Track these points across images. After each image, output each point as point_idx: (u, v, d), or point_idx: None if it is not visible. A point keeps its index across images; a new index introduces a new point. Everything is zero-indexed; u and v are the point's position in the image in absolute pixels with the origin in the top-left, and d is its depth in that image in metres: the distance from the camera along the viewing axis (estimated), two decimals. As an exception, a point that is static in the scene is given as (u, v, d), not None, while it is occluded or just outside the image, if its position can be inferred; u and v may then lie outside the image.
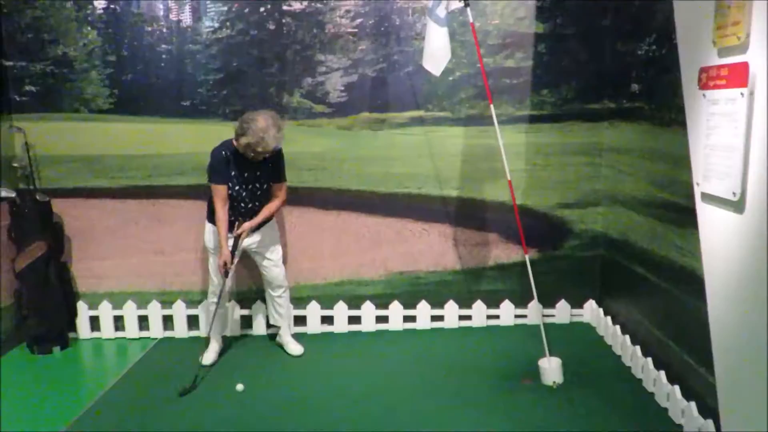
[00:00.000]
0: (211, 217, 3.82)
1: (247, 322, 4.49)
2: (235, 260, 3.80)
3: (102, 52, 4.22)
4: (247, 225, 3.77)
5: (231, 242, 3.74)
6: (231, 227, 3.76)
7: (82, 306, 4.45)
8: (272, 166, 3.81)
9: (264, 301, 4.32)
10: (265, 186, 3.82)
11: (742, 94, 2.22)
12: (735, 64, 2.27)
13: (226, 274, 3.74)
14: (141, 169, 4.36)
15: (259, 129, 3.47)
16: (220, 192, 3.68)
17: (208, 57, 4.25)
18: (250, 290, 4.40)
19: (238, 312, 4.45)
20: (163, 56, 4.26)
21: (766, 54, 2.10)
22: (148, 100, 4.29)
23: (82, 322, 4.47)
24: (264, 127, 3.47)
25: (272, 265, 4.01)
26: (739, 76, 2.24)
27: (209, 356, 4.02)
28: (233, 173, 3.69)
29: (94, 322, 4.50)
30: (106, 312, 4.46)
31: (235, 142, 3.62)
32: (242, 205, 3.77)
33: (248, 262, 4.13)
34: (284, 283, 4.09)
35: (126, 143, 4.33)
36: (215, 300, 3.93)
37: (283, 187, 3.90)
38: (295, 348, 4.13)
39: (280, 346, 4.21)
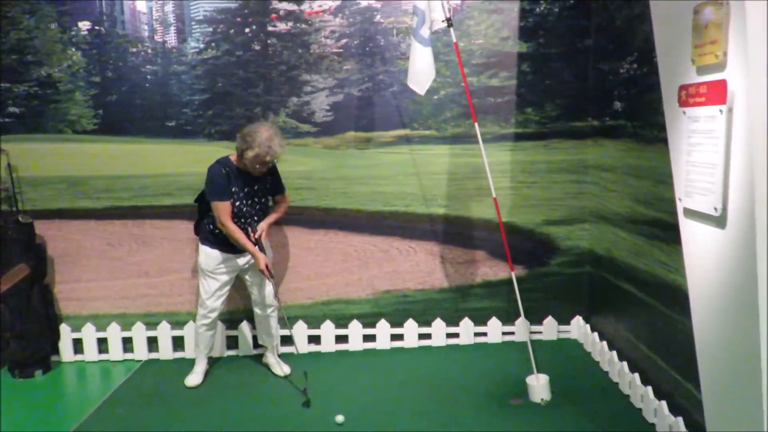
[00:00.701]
0: (207, 237, 3.80)
1: (233, 342, 4.45)
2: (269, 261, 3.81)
3: (86, 73, 4.21)
4: (265, 224, 3.80)
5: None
6: (231, 246, 3.75)
7: (65, 329, 4.39)
8: (271, 179, 3.82)
9: (250, 320, 4.28)
10: (263, 200, 3.82)
11: (721, 111, 2.25)
12: (714, 81, 2.31)
13: (271, 275, 3.75)
14: (126, 190, 4.33)
15: (265, 139, 3.49)
16: (225, 208, 3.64)
17: (193, 78, 4.25)
18: (237, 310, 4.37)
19: (224, 332, 4.41)
20: (148, 77, 4.26)
21: (743, 71, 2.14)
22: (133, 120, 4.28)
23: (65, 344, 4.40)
24: (269, 136, 3.51)
25: (259, 285, 3.97)
26: (717, 93, 2.28)
27: (194, 378, 3.98)
28: (234, 189, 3.67)
29: (78, 345, 4.44)
30: (89, 334, 4.40)
31: (237, 159, 3.64)
32: (243, 220, 3.74)
33: (234, 282, 4.10)
34: (274, 302, 4.05)
35: (111, 164, 4.30)
36: (204, 323, 3.90)
37: (285, 197, 3.96)
38: (281, 369, 4.10)
39: (267, 367, 4.17)
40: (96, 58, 4.21)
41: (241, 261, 3.85)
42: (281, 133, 3.65)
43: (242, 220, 3.74)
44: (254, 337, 4.35)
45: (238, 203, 3.69)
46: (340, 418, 3.47)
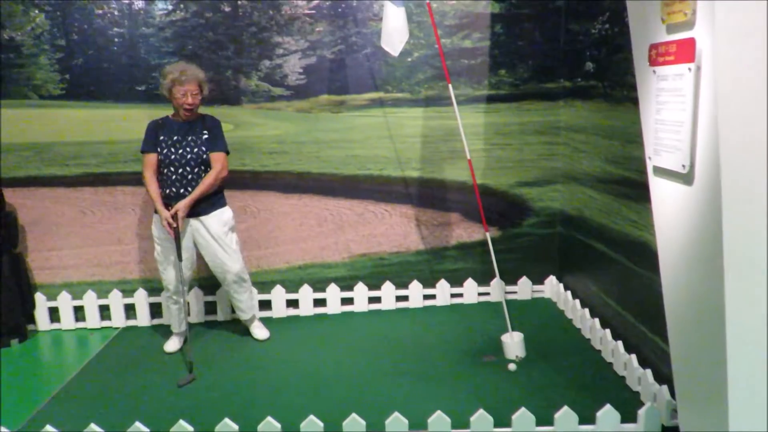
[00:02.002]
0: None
1: (211, 307, 4.46)
2: (183, 249, 3.71)
3: (51, 36, 4.10)
4: (182, 203, 3.60)
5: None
6: (166, 198, 3.67)
7: (39, 297, 4.35)
8: (204, 132, 3.71)
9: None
10: (196, 151, 3.65)
11: (689, 69, 2.28)
12: (682, 39, 2.33)
13: (176, 232, 3.61)
14: (95, 156, 4.26)
15: (177, 66, 3.62)
16: (146, 160, 3.68)
17: (161, 40, 4.16)
18: (212, 276, 4.36)
19: (202, 298, 4.42)
20: (115, 40, 4.16)
21: (711, 29, 2.16)
22: (100, 85, 4.19)
23: (40, 313, 4.38)
24: (183, 64, 3.64)
25: (214, 259, 3.82)
26: (686, 51, 2.30)
27: (172, 344, 3.99)
28: (162, 138, 3.65)
29: (54, 314, 4.41)
30: (65, 303, 4.38)
31: (171, 103, 3.66)
32: (171, 170, 3.63)
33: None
34: (240, 275, 3.89)
35: (79, 130, 4.22)
36: (168, 294, 3.88)
37: (219, 157, 3.70)
38: (260, 333, 4.12)
39: (247, 331, 4.20)
40: (60, 21, 4.09)
41: (193, 225, 3.73)
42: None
43: (171, 169, 3.64)
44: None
45: (165, 151, 3.65)
46: (512, 366, 3.57)
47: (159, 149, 3.64)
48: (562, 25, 4.28)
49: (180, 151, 3.64)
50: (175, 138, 3.66)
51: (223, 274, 3.87)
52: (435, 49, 4.20)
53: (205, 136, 3.71)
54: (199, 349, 3.95)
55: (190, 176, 3.66)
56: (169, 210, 3.62)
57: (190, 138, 3.68)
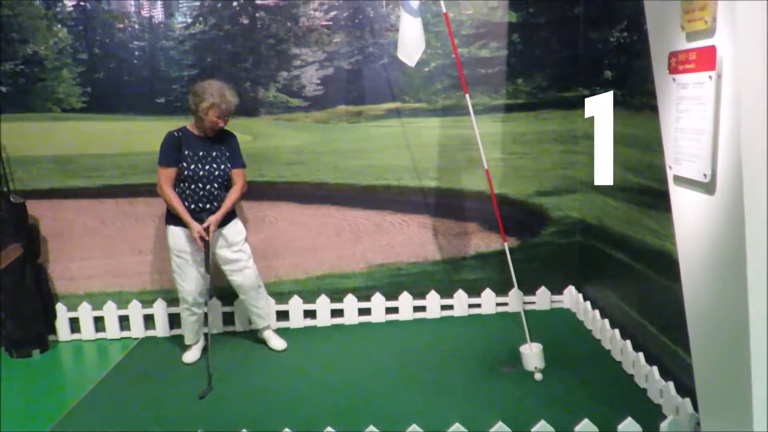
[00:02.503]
0: (169, 218, 3.76)
1: (228, 318, 4.48)
2: (210, 260, 3.75)
3: (73, 50, 4.17)
4: (213, 218, 3.69)
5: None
6: (191, 213, 3.69)
7: (60, 308, 4.40)
8: (226, 148, 3.77)
9: None
10: (222, 167, 3.73)
11: (710, 77, 2.25)
12: (703, 47, 2.30)
13: (206, 245, 3.67)
14: (117, 168, 4.31)
15: (216, 89, 3.55)
16: (165, 174, 3.65)
17: (181, 53, 4.21)
18: (229, 286, 4.38)
19: (220, 309, 4.44)
20: (136, 53, 4.22)
21: (732, 37, 2.14)
22: (121, 97, 4.25)
23: (61, 324, 4.42)
24: (220, 86, 3.58)
25: (233, 269, 3.91)
26: (706, 59, 2.28)
27: (191, 355, 4.01)
28: (187, 153, 3.64)
29: (74, 324, 4.46)
30: (85, 313, 4.42)
31: (193, 124, 3.67)
32: (200, 186, 3.68)
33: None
34: (257, 282, 4.00)
35: (101, 142, 4.28)
36: (183, 306, 3.89)
37: (242, 173, 3.84)
38: (277, 343, 4.13)
39: (263, 342, 4.20)
40: (82, 35, 4.16)
41: (213, 237, 3.77)
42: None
43: (200, 185, 3.68)
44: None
45: (192, 166, 3.65)
46: (538, 376, 3.55)
47: (183, 164, 3.64)
48: (581, 33, 4.25)
49: (207, 167, 3.68)
50: (201, 153, 3.67)
51: (241, 281, 3.92)
52: (452, 59, 4.20)
53: (225, 150, 3.76)
54: (218, 360, 3.95)
55: (216, 192, 3.73)
56: (200, 230, 3.66)
57: (215, 153, 3.71)
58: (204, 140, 3.70)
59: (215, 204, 3.74)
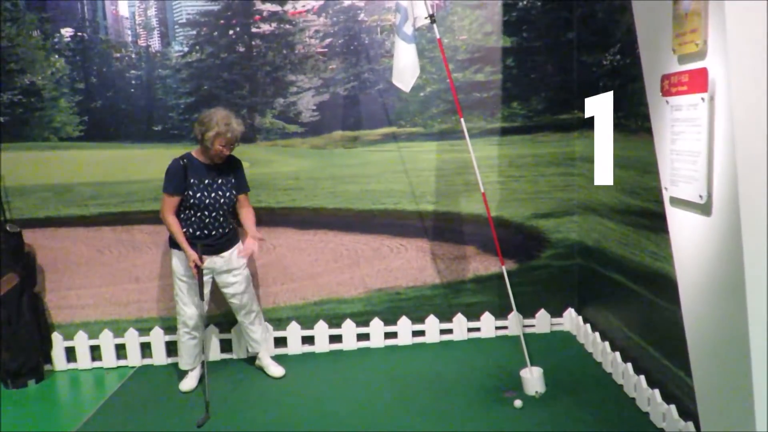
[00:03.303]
0: (173, 242, 3.75)
1: (227, 345, 4.44)
2: (203, 288, 3.74)
3: (70, 79, 4.20)
4: (255, 245, 3.78)
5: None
6: (195, 239, 3.70)
7: (57, 337, 4.37)
8: (233, 174, 3.78)
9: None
10: (228, 195, 3.74)
11: (702, 99, 2.27)
12: (694, 70, 2.32)
13: (200, 273, 3.66)
14: (114, 196, 4.31)
15: (222, 117, 3.53)
16: (169, 202, 3.64)
17: (178, 81, 4.24)
18: (230, 312, 4.36)
19: (217, 336, 4.40)
20: (133, 82, 4.24)
21: (723, 59, 2.15)
22: (118, 126, 4.27)
23: (57, 353, 4.38)
24: (225, 115, 3.56)
25: (235, 291, 3.91)
26: (699, 81, 2.29)
27: (188, 383, 3.97)
28: (192, 181, 3.64)
29: (70, 353, 4.42)
30: (81, 342, 4.38)
31: (198, 151, 3.67)
32: (206, 213, 3.69)
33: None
34: (255, 307, 4.02)
35: (98, 171, 4.29)
36: (185, 330, 3.86)
37: (248, 197, 3.91)
38: (275, 370, 4.09)
39: (261, 369, 4.16)
40: (79, 65, 4.19)
41: (216, 262, 3.80)
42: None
43: (205, 213, 3.69)
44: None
45: (198, 194, 3.65)
46: (518, 403, 3.51)
47: (189, 192, 3.64)
48: (575, 57, 4.29)
49: (213, 194, 3.69)
50: (207, 181, 3.68)
51: (242, 304, 3.94)
52: (447, 84, 4.23)
53: (232, 176, 3.78)
54: (216, 388, 3.91)
55: (221, 219, 3.76)
56: (197, 251, 3.66)
57: (220, 181, 3.72)
58: (209, 168, 3.70)
59: (220, 231, 3.76)
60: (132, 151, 4.28)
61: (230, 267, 3.85)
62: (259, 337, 4.08)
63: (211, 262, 3.77)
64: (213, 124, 3.51)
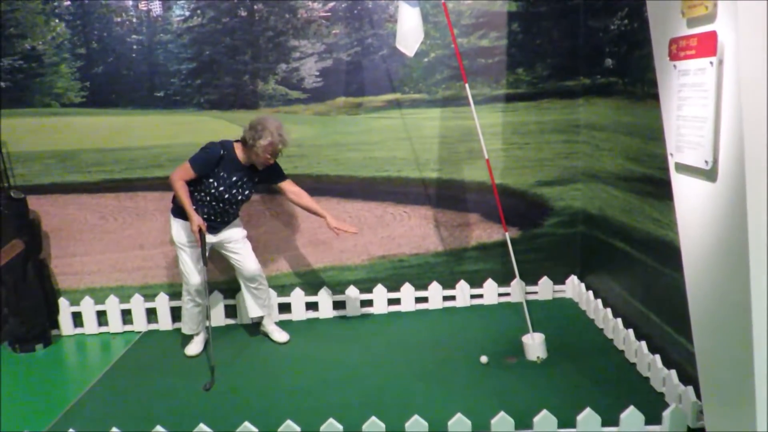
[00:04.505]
0: (176, 211, 3.76)
1: (231, 311, 4.48)
2: (206, 253, 3.75)
3: (71, 45, 4.15)
4: (331, 217, 3.76)
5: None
6: (203, 214, 3.71)
7: (63, 303, 4.41)
8: (264, 173, 3.78)
9: None
10: (246, 192, 3.77)
11: (711, 63, 2.23)
12: (703, 33, 2.28)
13: (202, 239, 3.65)
14: (117, 162, 4.31)
15: (275, 128, 3.52)
16: (187, 173, 3.58)
17: (179, 47, 4.20)
18: (234, 280, 4.38)
19: (222, 302, 4.44)
20: (134, 47, 4.20)
21: (733, 22, 2.12)
22: (120, 92, 4.24)
23: (64, 318, 4.43)
24: (278, 126, 3.55)
25: (244, 257, 3.93)
26: (707, 45, 2.25)
27: (193, 348, 4.01)
28: (222, 174, 3.63)
29: (77, 319, 4.47)
30: (88, 308, 4.43)
31: (241, 150, 3.64)
32: (219, 205, 3.71)
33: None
34: (259, 274, 4.01)
35: (100, 137, 4.27)
36: (187, 297, 3.88)
37: (292, 181, 3.89)
38: (280, 336, 4.13)
39: (266, 335, 4.21)
40: (80, 30, 4.15)
41: (216, 238, 3.83)
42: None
43: (220, 204, 3.71)
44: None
45: (221, 188, 3.64)
46: (484, 359, 3.58)
47: (212, 181, 3.63)
48: (581, 22, 4.22)
49: (234, 191, 3.70)
50: (234, 179, 3.67)
51: (249, 273, 3.94)
52: (452, 49, 4.18)
53: (267, 173, 3.78)
54: (221, 353, 3.95)
55: (232, 211, 3.81)
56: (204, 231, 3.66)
57: (245, 179, 3.73)
58: (243, 167, 3.69)
59: (226, 220, 3.82)
60: (134, 117, 4.26)
61: (239, 238, 3.93)
62: (263, 302, 4.10)
63: (216, 236, 3.83)
64: (267, 133, 3.50)
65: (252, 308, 4.11)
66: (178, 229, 3.78)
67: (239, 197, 3.75)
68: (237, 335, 4.30)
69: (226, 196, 3.68)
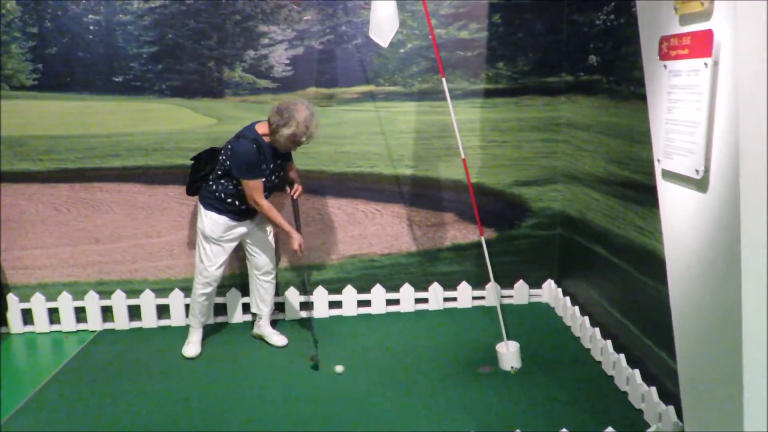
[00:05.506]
0: (215, 204, 3.61)
1: (220, 309, 4.30)
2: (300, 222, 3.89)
3: (22, 23, 3.86)
4: (299, 184, 3.80)
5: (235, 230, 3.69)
6: (242, 214, 3.66)
7: (12, 299, 4.16)
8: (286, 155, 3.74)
9: (239, 288, 4.22)
10: (281, 174, 3.70)
11: (705, 64, 2.07)
12: (698, 32, 2.12)
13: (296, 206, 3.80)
14: (71, 151, 4.04)
15: (303, 119, 3.35)
16: (258, 187, 3.51)
17: (140, 28, 3.93)
18: (225, 276, 4.09)
19: (240, 299, 4.30)
20: (91, 27, 3.92)
21: (731, 21, 1.95)
22: (75, 75, 3.96)
23: (13, 315, 4.18)
24: (307, 117, 3.37)
25: (263, 249, 3.86)
26: (702, 45, 2.09)
27: (192, 349, 3.85)
28: (263, 166, 3.51)
29: (27, 316, 4.22)
30: (39, 304, 4.18)
31: (266, 133, 3.47)
32: (266, 194, 3.62)
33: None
34: (273, 268, 3.94)
35: (53, 123, 4.00)
36: (205, 291, 3.78)
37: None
38: (278, 339, 3.97)
39: (260, 338, 4.03)
40: (32, 7, 3.86)
41: (246, 228, 3.75)
42: (316, 112, 3.48)
43: (266, 194, 3.61)
44: (244, 305, 4.24)
45: (265, 180, 3.55)
46: (339, 368, 3.51)
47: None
48: (565, 16, 4.06)
49: (272, 177, 3.63)
50: (272, 166, 3.59)
51: (267, 265, 3.91)
52: (429, 40, 3.98)
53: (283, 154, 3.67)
54: (209, 353, 3.74)
55: (268, 196, 3.68)
56: (242, 220, 3.68)
57: (279, 162, 3.65)
58: (274, 152, 3.56)
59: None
60: (90, 103, 3.99)
61: (265, 230, 3.91)
62: (269, 299, 4.00)
63: (241, 225, 3.72)
64: (293, 123, 3.34)
65: (256, 305, 4.02)
66: (211, 224, 3.63)
67: (276, 181, 3.68)
68: (225, 335, 4.07)
69: (268, 185, 3.61)
